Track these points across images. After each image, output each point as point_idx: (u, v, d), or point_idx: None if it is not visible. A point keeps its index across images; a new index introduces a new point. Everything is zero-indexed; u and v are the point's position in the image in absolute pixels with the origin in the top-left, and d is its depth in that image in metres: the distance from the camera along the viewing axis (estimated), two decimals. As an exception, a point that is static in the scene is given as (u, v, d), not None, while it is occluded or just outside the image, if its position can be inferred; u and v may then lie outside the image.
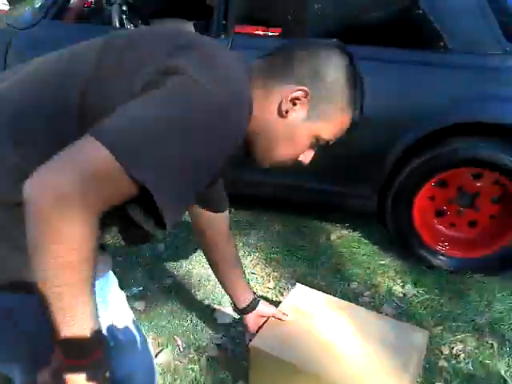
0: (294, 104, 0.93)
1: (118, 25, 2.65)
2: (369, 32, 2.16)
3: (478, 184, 2.24)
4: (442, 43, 2.04)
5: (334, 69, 0.94)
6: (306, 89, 0.92)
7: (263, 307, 1.57)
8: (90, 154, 0.72)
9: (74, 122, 0.84)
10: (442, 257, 2.33)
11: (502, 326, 2.07)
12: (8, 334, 0.93)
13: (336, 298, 1.76)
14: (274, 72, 0.94)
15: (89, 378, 0.78)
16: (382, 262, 2.39)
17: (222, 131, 0.80)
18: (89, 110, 0.84)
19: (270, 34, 2.19)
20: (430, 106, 2.09)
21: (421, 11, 2.02)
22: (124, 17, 2.72)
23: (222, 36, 2.20)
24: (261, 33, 2.19)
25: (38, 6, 2.37)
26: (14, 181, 0.80)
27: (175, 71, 0.80)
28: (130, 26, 2.74)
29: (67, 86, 0.86)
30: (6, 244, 0.86)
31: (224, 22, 2.20)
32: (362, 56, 2.06)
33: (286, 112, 0.93)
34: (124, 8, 2.72)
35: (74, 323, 0.74)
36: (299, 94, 0.92)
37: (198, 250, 2.42)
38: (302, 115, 0.94)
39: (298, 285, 1.76)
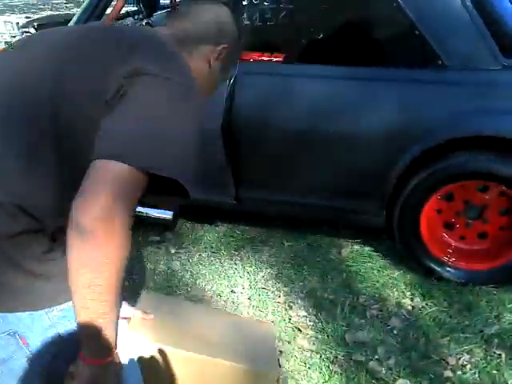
0: (216, 58, 1.18)
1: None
2: (369, 53, 2.25)
3: (484, 197, 2.27)
4: (439, 61, 2.11)
5: (230, 23, 1.20)
6: (223, 46, 1.16)
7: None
8: (113, 172, 0.84)
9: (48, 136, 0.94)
10: (451, 269, 2.35)
11: (511, 337, 2.07)
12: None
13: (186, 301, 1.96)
14: (192, 40, 1.14)
15: (109, 376, 0.90)
16: (391, 276, 2.43)
17: (195, 109, 0.97)
18: (63, 127, 0.94)
19: (275, 59, 2.30)
20: (431, 121, 2.14)
21: (417, 31, 2.09)
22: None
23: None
24: (265, 59, 2.31)
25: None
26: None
27: (138, 73, 0.93)
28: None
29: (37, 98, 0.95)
30: None
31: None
32: (366, 77, 2.20)
33: (210, 63, 1.18)
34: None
35: (103, 322, 0.85)
36: (219, 50, 1.16)
37: (212, 266, 2.52)
38: (219, 61, 1.19)
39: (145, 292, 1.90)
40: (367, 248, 2.61)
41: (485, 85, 2.09)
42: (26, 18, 4.64)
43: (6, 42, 3.03)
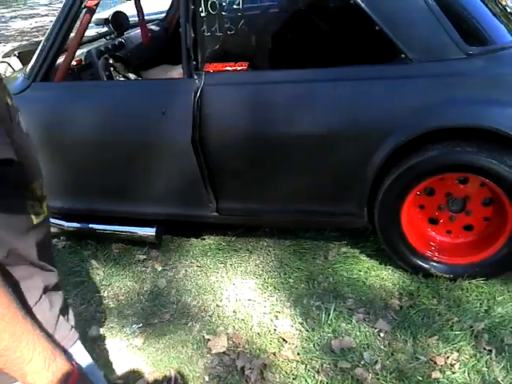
0: None
1: (105, 78, 2.81)
2: (332, 53, 2.21)
3: (466, 188, 2.22)
4: (403, 55, 2.06)
5: None
6: None
7: None
8: None
9: None
10: (438, 264, 2.30)
11: (501, 331, 2.02)
12: None
13: None
14: None
15: None
16: (379, 277, 2.38)
17: None
18: None
19: (239, 68, 2.28)
20: (401, 117, 2.10)
21: (377, 27, 2.05)
22: (112, 70, 2.89)
23: (195, 76, 2.31)
24: (229, 68, 2.28)
25: (28, 70, 2.56)
26: None
27: None
28: (118, 78, 2.91)
29: None
30: None
31: (194, 62, 2.31)
32: (330, 77, 2.17)
33: None
34: (111, 61, 2.90)
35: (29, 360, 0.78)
36: None
37: (198, 281, 2.50)
38: None
39: None
40: (354, 249, 2.57)
41: (451, 75, 2.04)
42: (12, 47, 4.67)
43: (-17, 74, 3.04)
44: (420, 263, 2.31)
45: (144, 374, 2.02)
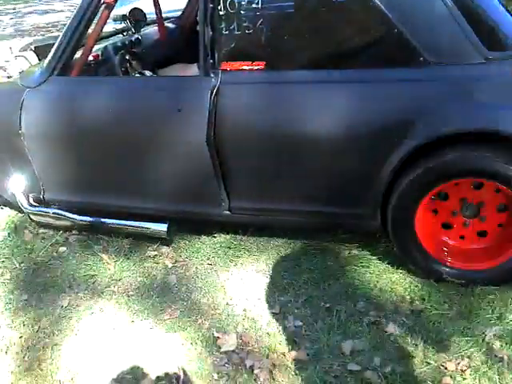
0: None
1: (122, 74, 2.83)
2: (351, 55, 2.20)
3: (480, 194, 2.20)
4: (421, 58, 2.05)
5: None
6: None
7: None
8: None
9: None
10: (451, 270, 2.28)
11: (514, 338, 2.01)
12: None
13: None
14: None
15: None
16: (390, 280, 2.37)
17: None
18: None
19: (256, 67, 2.27)
20: (418, 120, 2.08)
21: (396, 30, 2.04)
22: (129, 66, 2.90)
23: (212, 74, 2.32)
24: (246, 67, 2.28)
25: (45, 64, 2.58)
26: None
27: None
28: (134, 75, 2.92)
29: None
30: None
31: (211, 60, 2.32)
32: (349, 79, 2.17)
33: None
34: (127, 57, 2.91)
35: None
36: None
37: (208, 279, 2.50)
38: None
39: None
40: (365, 252, 2.55)
41: (469, 79, 2.03)
42: (27, 41, 4.70)
43: (0, 67, 3.06)
44: (432, 268, 2.29)
45: (153, 369, 2.02)
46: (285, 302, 2.30)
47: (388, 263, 2.47)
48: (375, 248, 2.57)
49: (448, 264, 2.29)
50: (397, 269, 2.42)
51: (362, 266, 2.48)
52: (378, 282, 2.37)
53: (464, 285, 2.26)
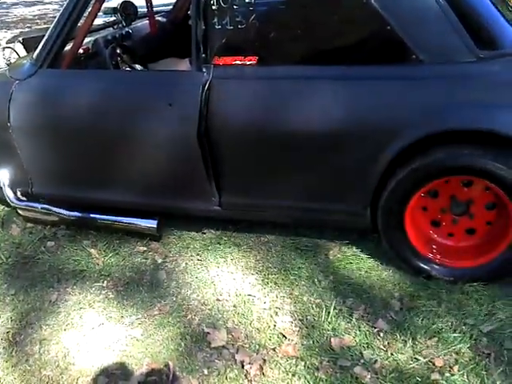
0: None
1: (112, 68, 2.80)
2: (343, 52, 2.21)
3: (470, 191, 2.22)
4: (413, 56, 2.06)
5: None
6: None
7: None
8: None
9: None
10: (439, 267, 2.30)
11: (501, 335, 2.02)
12: None
13: None
14: None
15: None
16: (379, 277, 2.38)
17: None
18: None
19: (248, 62, 2.27)
20: (409, 117, 2.10)
21: (389, 27, 2.05)
22: (119, 59, 2.88)
23: (204, 69, 2.31)
24: (239, 62, 2.28)
25: (35, 56, 2.55)
26: None
27: None
28: (125, 68, 2.90)
29: None
30: None
31: (204, 55, 2.31)
32: (340, 76, 2.17)
33: None
34: (118, 51, 2.89)
35: None
36: None
37: (198, 275, 2.49)
38: None
39: None
40: (355, 249, 2.56)
41: (460, 78, 2.04)
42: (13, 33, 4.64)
43: (-14, 60, 3.02)
44: (421, 265, 2.31)
45: (142, 365, 2.01)
46: (275, 298, 2.30)
47: (377, 260, 2.48)
48: (365, 245, 2.58)
49: (437, 261, 2.31)
50: (386, 266, 2.44)
51: (352, 263, 2.49)
52: (367, 278, 2.38)
53: (452, 282, 2.27)
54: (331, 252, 2.57)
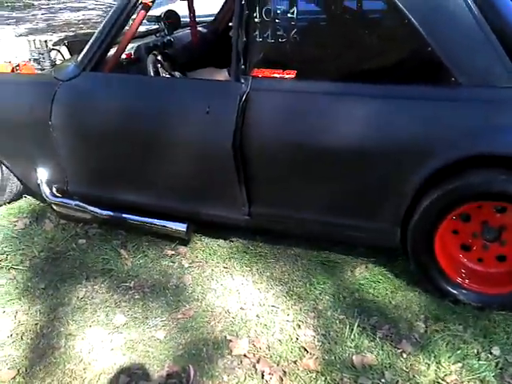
0: None
1: (152, 74, 2.87)
2: (381, 70, 2.22)
3: (502, 218, 2.19)
4: (453, 78, 2.06)
5: None
6: None
7: None
8: None
9: None
10: (467, 292, 2.27)
11: (527, 366, 1.98)
12: None
13: None
14: None
15: None
16: (405, 298, 2.36)
17: None
18: None
19: (287, 76, 2.30)
20: (444, 139, 2.09)
21: (430, 48, 2.05)
22: (160, 66, 2.94)
23: (242, 80, 2.34)
24: (277, 75, 2.31)
25: (79, 59, 2.64)
26: None
27: None
28: (165, 75, 2.96)
29: None
30: None
31: (243, 66, 2.35)
32: (377, 94, 2.18)
33: None
34: (159, 58, 2.95)
35: None
36: None
37: (223, 282, 2.51)
38: None
39: None
40: (382, 268, 2.55)
41: (499, 102, 2.03)
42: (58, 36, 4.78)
43: (34, 60, 3.12)
44: (449, 289, 2.28)
45: (163, 367, 2.04)
46: (298, 311, 2.31)
47: (404, 280, 2.46)
48: (392, 264, 2.56)
49: (465, 286, 2.28)
50: (413, 287, 2.42)
51: (378, 282, 2.47)
52: (393, 298, 2.37)
53: (480, 308, 2.24)
54: (358, 269, 2.56)
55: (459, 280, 2.29)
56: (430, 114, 2.12)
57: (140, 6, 2.62)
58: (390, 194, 2.23)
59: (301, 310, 2.32)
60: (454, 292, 2.28)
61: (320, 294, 2.41)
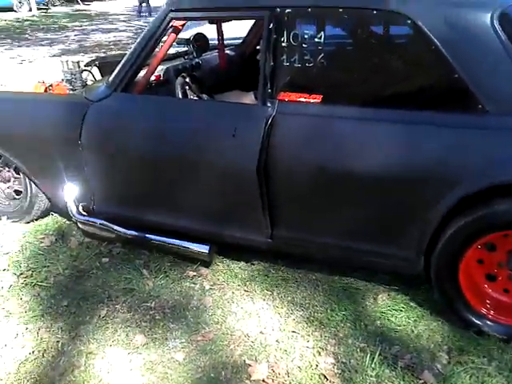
0: None
1: (181, 96, 2.92)
2: (408, 96, 2.22)
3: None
4: (480, 106, 2.05)
5: None
6: None
7: None
8: None
9: None
10: (492, 323, 2.22)
11: (555, 403, 1.92)
12: None
13: None
14: None
15: None
16: (428, 327, 2.31)
17: None
18: None
19: (313, 100, 2.31)
20: (471, 166, 2.07)
21: (457, 75, 2.05)
22: (188, 88, 2.99)
23: (269, 103, 2.37)
24: (303, 99, 2.32)
25: (110, 80, 2.70)
26: None
27: None
28: (193, 97, 3.01)
29: None
30: None
31: (270, 90, 2.37)
32: (403, 119, 2.17)
33: None
34: (188, 80, 3.01)
35: None
36: None
37: (244, 305, 2.50)
38: None
39: None
40: (404, 296, 2.51)
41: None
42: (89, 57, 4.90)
43: (67, 80, 3.20)
44: (473, 319, 2.24)
45: (182, 389, 2.04)
46: (319, 338, 2.28)
47: (427, 309, 2.42)
48: (415, 292, 2.52)
49: (490, 317, 2.23)
50: (436, 316, 2.37)
51: (401, 310, 2.43)
52: (415, 327, 2.32)
53: (505, 340, 2.19)
54: (380, 296, 2.52)
55: (484, 311, 2.24)
56: (456, 141, 2.10)
57: (171, 29, 2.68)
58: (415, 221, 2.21)
59: (321, 336, 2.29)
60: (479, 323, 2.23)
61: (341, 320, 2.38)
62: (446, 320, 2.34)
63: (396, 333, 2.30)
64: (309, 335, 2.30)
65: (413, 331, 2.30)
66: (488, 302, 2.26)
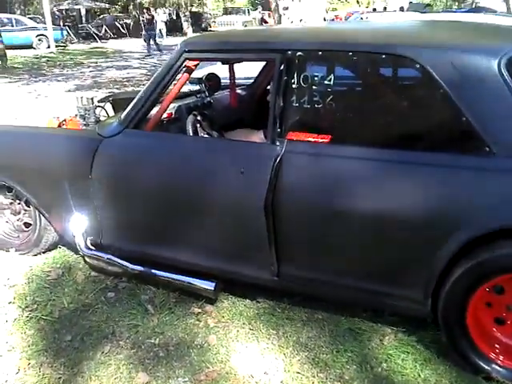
0: None
1: (191, 134, 2.97)
2: (414, 137, 2.24)
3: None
4: (487, 148, 2.06)
5: None
6: None
7: None
8: None
9: None
10: (501, 368, 2.17)
11: None
12: None
13: None
14: None
15: None
16: (435, 371, 2.27)
17: None
18: None
19: (321, 140, 2.34)
20: (477, 209, 2.08)
21: (464, 118, 2.08)
22: (198, 126, 3.05)
23: (277, 142, 2.40)
24: (312, 139, 2.35)
25: (122, 116, 2.76)
26: None
27: None
28: (203, 135, 3.06)
29: None
30: None
31: (279, 129, 2.41)
32: (410, 161, 2.19)
33: None
34: (199, 118, 3.06)
35: None
36: None
37: (248, 344, 2.48)
38: None
39: None
40: (412, 338, 2.47)
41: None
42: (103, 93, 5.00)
43: (80, 116, 3.27)
44: (482, 364, 2.20)
45: (184, 429, 2.00)
46: (324, 380, 2.24)
47: (434, 353, 2.37)
48: (422, 335, 2.48)
49: (499, 362, 2.19)
50: (443, 360, 2.33)
51: (407, 352, 2.39)
52: (422, 371, 2.28)
53: (515, 386, 2.14)
54: (387, 338, 2.49)
55: (492, 355, 2.20)
56: (462, 183, 2.12)
57: (184, 69, 2.75)
58: (422, 263, 2.20)
59: (326, 378, 2.26)
60: (487, 368, 2.19)
61: (347, 362, 2.35)
62: (453, 364, 2.30)
63: (403, 376, 2.26)
64: (314, 377, 2.26)
65: (419, 375, 2.26)
66: (497, 346, 2.22)
